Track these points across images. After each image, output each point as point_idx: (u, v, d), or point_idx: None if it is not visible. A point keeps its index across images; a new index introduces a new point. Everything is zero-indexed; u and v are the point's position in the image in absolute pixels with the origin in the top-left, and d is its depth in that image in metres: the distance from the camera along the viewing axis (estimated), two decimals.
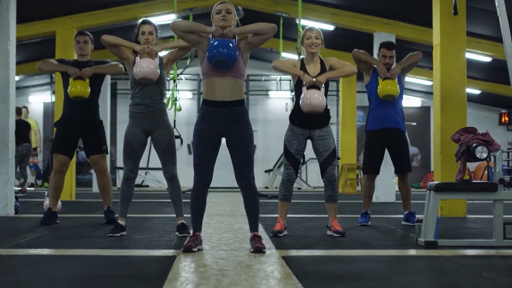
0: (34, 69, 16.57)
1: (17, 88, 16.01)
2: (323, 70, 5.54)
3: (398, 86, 6.43)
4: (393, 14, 11.86)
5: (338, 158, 5.52)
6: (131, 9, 12.17)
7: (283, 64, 5.60)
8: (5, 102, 7.80)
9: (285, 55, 14.73)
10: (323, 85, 5.42)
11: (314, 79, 5.39)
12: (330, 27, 13.13)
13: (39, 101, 19.45)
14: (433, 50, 8.28)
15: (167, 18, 12.81)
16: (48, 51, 13.41)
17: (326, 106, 5.57)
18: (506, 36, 5.00)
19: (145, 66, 5.17)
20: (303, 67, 5.54)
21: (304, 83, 5.42)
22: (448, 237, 5.19)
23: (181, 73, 14.79)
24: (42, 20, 11.93)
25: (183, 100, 16.10)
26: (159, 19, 13.02)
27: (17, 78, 14.21)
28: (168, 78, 11.57)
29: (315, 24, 12.85)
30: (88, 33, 6.57)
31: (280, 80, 19.19)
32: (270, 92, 19.58)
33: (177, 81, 9.53)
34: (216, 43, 4.35)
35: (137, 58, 5.26)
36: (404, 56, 6.90)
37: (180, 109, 8.98)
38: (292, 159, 5.50)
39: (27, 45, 13.72)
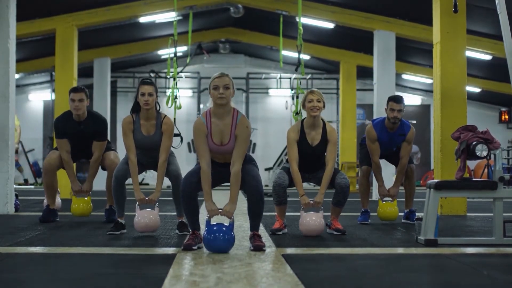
0: (34, 67, 16.62)
1: (17, 86, 15.99)
2: (323, 138, 5.41)
3: (396, 207, 6.42)
4: (393, 12, 11.85)
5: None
6: (131, 7, 12.15)
7: (295, 174, 5.36)
8: (5, 100, 7.80)
9: (284, 52, 14.71)
10: (321, 206, 5.30)
11: (311, 202, 5.26)
12: (330, 25, 13.12)
13: (39, 99, 19.45)
14: (433, 48, 8.28)
15: (167, 16, 12.81)
16: (48, 49, 13.42)
17: (323, 153, 5.50)
18: (506, 34, 4.99)
19: (146, 217, 5.14)
20: (302, 132, 5.43)
21: (301, 206, 5.31)
22: (448, 235, 5.19)
23: (181, 71, 14.78)
24: (42, 18, 11.92)
25: (183, 98, 16.09)
26: (158, 17, 13.03)
27: (17, 76, 14.21)
28: (168, 76, 11.55)
29: (315, 22, 12.86)
30: (82, 88, 6.29)
31: (280, 78, 19.17)
32: (270, 90, 19.57)
33: (177, 79, 9.50)
34: (212, 235, 4.20)
35: (137, 209, 5.19)
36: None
37: (180, 107, 8.94)
38: (289, 172, 5.45)
39: (27, 43, 13.72)
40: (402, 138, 6.39)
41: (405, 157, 6.39)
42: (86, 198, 6.35)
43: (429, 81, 16.56)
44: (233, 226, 4.31)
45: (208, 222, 4.32)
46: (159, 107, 5.49)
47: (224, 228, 4.24)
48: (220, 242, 4.21)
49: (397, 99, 6.35)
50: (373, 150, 6.42)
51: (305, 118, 5.50)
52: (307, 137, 5.42)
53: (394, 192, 6.40)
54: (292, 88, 18.40)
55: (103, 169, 6.42)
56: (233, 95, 4.46)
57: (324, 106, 5.39)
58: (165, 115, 5.48)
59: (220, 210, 4.36)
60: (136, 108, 5.41)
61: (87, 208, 6.37)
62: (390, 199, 6.51)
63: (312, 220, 5.22)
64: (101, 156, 6.36)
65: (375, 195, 11.30)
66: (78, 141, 6.32)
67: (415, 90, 19.47)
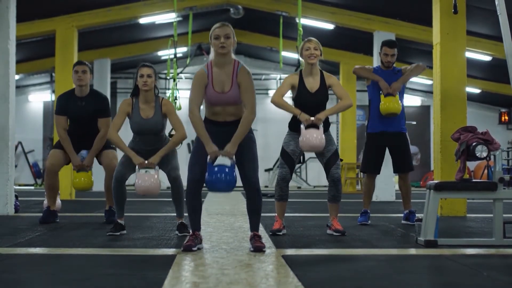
0: (34, 68, 16.62)
1: (17, 87, 16.02)
2: (322, 84, 5.45)
3: (400, 102, 6.38)
4: (393, 13, 11.86)
5: (341, 160, 5.47)
6: (131, 8, 12.16)
7: (281, 103, 5.39)
8: (5, 101, 7.81)
9: (284, 53, 14.73)
10: (322, 123, 5.31)
11: (312, 118, 5.27)
12: (330, 26, 13.13)
13: (39, 99, 19.46)
14: (433, 49, 8.28)
15: (167, 17, 12.82)
16: (48, 50, 13.42)
17: (323, 103, 5.54)
18: (506, 35, 5.00)
19: (146, 180, 5.15)
20: (301, 81, 5.47)
21: (302, 122, 5.31)
22: (448, 236, 5.19)
23: (181, 72, 14.79)
24: (42, 19, 11.92)
25: (183, 99, 16.08)
26: (158, 18, 13.04)
27: (17, 77, 14.22)
28: (168, 77, 11.57)
29: (315, 23, 12.87)
30: (86, 62, 6.42)
31: (280, 79, 19.18)
32: (270, 91, 19.58)
33: (177, 80, 9.52)
34: (214, 176, 4.23)
35: (138, 172, 5.19)
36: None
37: (180, 108, 8.98)
38: (287, 158, 5.46)
39: (27, 44, 13.72)
40: (399, 75, 6.51)
41: (412, 68, 6.56)
42: (87, 172, 6.31)
43: (429, 82, 16.57)
44: (234, 167, 4.31)
45: (210, 164, 4.30)
46: (158, 91, 5.51)
47: (226, 169, 4.25)
48: (221, 184, 4.23)
49: (391, 44, 6.54)
50: (364, 70, 6.55)
51: (302, 68, 5.56)
52: (306, 84, 5.46)
53: (396, 86, 6.38)
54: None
55: (100, 163, 6.41)
56: (234, 46, 4.48)
57: (321, 55, 5.46)
58: (163, 98, 5.51)
59: (221, 152, 4.34)
60: (135, 92, 5.44)
61: (89, 182, 6.30)
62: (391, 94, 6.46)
63: (313, 136, 5.22)
64: (107, 134, 6.29)
65: (375, 197, 11.30)
66: (78, 122, 6.29)
67: (415, 91, 19.47)
